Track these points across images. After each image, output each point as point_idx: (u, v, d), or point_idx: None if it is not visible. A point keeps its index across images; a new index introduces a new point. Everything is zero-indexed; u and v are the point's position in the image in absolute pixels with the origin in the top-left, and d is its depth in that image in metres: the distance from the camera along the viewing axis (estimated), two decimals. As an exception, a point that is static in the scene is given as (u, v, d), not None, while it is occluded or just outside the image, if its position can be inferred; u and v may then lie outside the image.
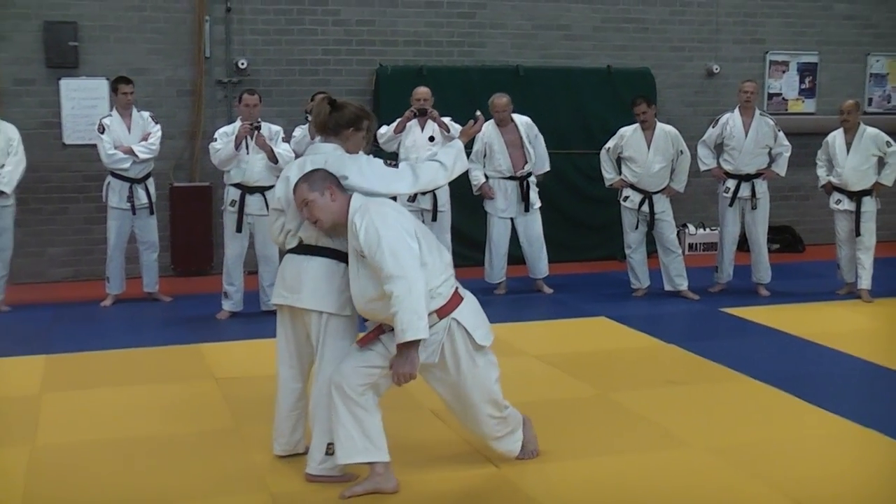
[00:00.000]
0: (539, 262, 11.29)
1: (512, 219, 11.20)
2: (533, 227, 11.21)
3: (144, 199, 10.64)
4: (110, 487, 5.70)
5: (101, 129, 10.45)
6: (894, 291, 11.08)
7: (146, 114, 10.72)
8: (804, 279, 12.10)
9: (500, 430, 5.78)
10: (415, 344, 5.19)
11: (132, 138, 10.51)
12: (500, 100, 10.93)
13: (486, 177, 11.09)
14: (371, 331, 5.54)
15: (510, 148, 10.98)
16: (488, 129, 10.91)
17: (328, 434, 5.56)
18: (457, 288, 5.52)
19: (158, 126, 10.70)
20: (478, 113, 6.13)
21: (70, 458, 6.20)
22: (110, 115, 10.58)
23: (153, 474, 5.91)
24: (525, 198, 11.09)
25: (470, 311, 5.55)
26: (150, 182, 10.73)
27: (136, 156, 10.43)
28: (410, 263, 5.15)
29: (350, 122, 5.66)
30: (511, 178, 11.06)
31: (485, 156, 11.04)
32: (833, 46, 14.81)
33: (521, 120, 11.09)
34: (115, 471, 5.97)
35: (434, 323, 5.32)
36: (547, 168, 11.31)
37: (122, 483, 5.77)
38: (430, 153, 10.33)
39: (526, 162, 11.02)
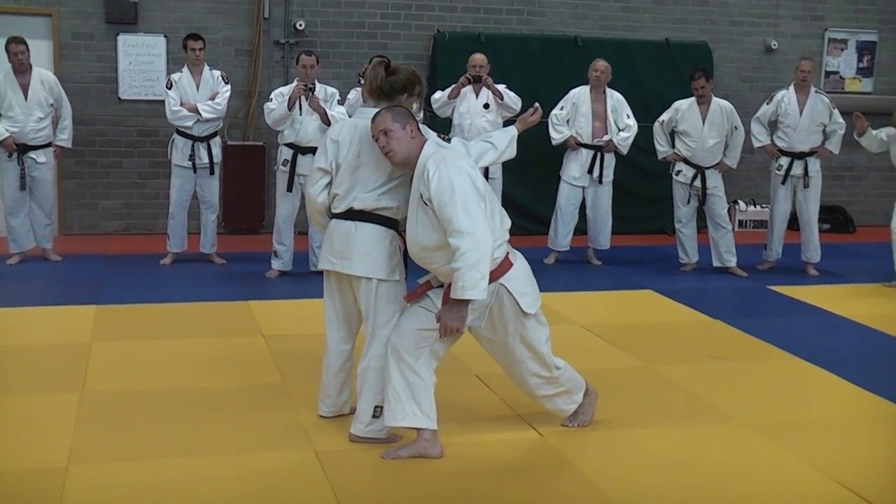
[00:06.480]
0: (601, 234, 11.32)
1: (583, 188, 11.23)
2: (602, 199, 11.23)
3: (206, 159, 10.51)
4: (157, 436, 5.78)
5: (169, 85, 10.38)
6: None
7: (217, 73, 10.60)
8: (854, 260, 12.03)
9: (548, 389, 5.78)
10: (468, 301, 5.20)
11: (200, 96, 10.39)
12: (599, 63, 11.03)
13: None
14: (418, 287, 5.54)
15: (595, 119, 11.00)
16: (580, 92, 11.04)
17: (377, 397, 5.59)
18: (507, 253, 5.49)
19: (228, 86, 10.57)
20: (536, 104, 6.14)
21: (118, 406, 6.28)
22: (180, 72, 10.48)
23: (199, 426, 5.98)
24: (599, 168, 11.09)
25: (519, 276, 5.50)
26: (215, 142, 10.60)
27: (200, 114, 10.33)
28: (482, 222, 5.10)
29: (404, 87, 5.62)
30: (588, 146, 11.05)
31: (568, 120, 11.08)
32: (894, 25, 14.62)
33: (616, 95, 11.12)
34: (162, 420, 6.05)
35: None
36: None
37: (169, 433, 5.84)
38: (485, 121, 10.51)
39: (606, 133, 11.02)
